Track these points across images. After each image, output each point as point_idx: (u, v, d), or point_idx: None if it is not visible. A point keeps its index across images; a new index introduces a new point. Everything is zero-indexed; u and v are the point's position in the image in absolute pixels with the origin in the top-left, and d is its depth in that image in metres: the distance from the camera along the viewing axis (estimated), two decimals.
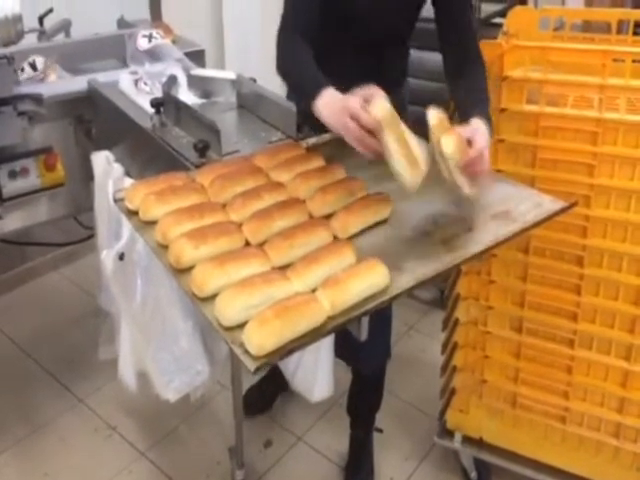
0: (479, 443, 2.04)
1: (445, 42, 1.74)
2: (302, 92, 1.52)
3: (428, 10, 2.85)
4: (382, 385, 2.11)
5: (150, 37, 2.14)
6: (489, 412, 1.98)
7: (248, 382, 2.30)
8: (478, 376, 1.95)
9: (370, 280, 1.16)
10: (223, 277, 1.15)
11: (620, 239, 1.65)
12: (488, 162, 1.38)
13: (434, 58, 2.90)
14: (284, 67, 1.55)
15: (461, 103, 1.58)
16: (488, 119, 1.44)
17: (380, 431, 2.21)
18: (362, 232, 1.34)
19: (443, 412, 2.06)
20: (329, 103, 1.37)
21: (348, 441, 2.19)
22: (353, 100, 1.30)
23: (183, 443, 2.29)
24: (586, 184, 1.64)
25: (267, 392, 2.38)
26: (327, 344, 1.85)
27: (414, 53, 2.93)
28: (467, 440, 2.06)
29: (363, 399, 2.15)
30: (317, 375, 1.91)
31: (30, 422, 2.35)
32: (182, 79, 2.01)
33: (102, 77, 2.11)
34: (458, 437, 2.07)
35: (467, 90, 1.58)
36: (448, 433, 2.09)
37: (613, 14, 1.85)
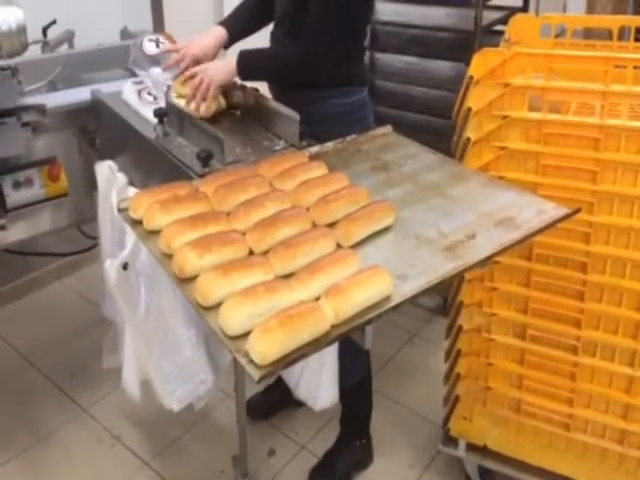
0: (483, 451, 2.04)
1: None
2: None
3: (430, 18, 2.87)
4: (366, 400, 2.15)
5: (157, 42, 2.15)
6: (493, 419, 1.98)
7: (251, 390, 2.30)
8: (482, 383, 1.94)
9: (374, 288, 1.16)
10: (227, 286, 1.15)
11: (623, 245, 1.65)
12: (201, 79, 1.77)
13: (435, 66, 2.95)
14: None
15: None
16: (250, 59, 1.78)
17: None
18: (366, 240, 1.35)
19: (447, 420, 2.06)
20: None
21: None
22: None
23: (187, 452, 2.29)
24: (589, 190, 1.64)
25: (272, 399, 2.38)
26: (331, 352, 1.85)
27: (417, 61, 2.97)
28: (471, 448, 2.06)
29: (350, 415, 2.18)
30: (321, 383, 1.91)
31: (34, 432, 2.35)
32: None
33: (105, 87, 2.12)
34: (462, 445, 2.06)
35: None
36: (452, 441, 2.08)
37: (615, 21, 1.86)
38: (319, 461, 2.22)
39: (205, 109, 1.81)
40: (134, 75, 2.19)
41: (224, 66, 1.81)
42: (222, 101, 1.90)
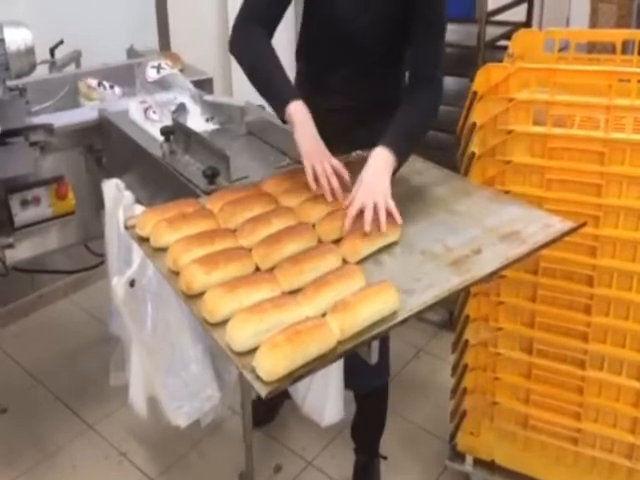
0: (491, 466, 2.02)
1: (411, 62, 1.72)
2: (265, 86, 1.57)
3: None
4: (384, 409, 2.11)
5: (159, 68, 2.17)
6: (500, 434, 1.97)
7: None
8: (489, 398, 1.94)
9: (380, 304, 1.17)
10: (234, 302, 1.16)
11: (630, 258, 1.65)
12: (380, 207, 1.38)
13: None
14: (239, 50, 1.63)
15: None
16: (399, 142, 1.50)
17: (384, 458, 2.20)
18: (371, 255, 1.35)
19: (454, 435, 2.05)
20: (304, 127, 1.50)
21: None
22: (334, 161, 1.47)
23: (193, 469, 2.28)
24: (594, 204, 1.64)
25: (271, 401, 2.36)
26: (337, 368, 1.85)
27: None
28: (479, 463, 2.05)
29: (366, 423, 2.15)
30: (327, 399, 1.91)
31: (41, 449, 2.35)
32: (191, 107, 2.04)
33: (112, 106, 2.14)
34: (469, 460, 2.06)
35: (400, 110, 1.61)
36: (459, 456, 2.07)
37: (618, 35, 1.87)
38: None
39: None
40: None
41: (382, 173, 1.46)
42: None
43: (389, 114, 1.60)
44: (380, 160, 1.48)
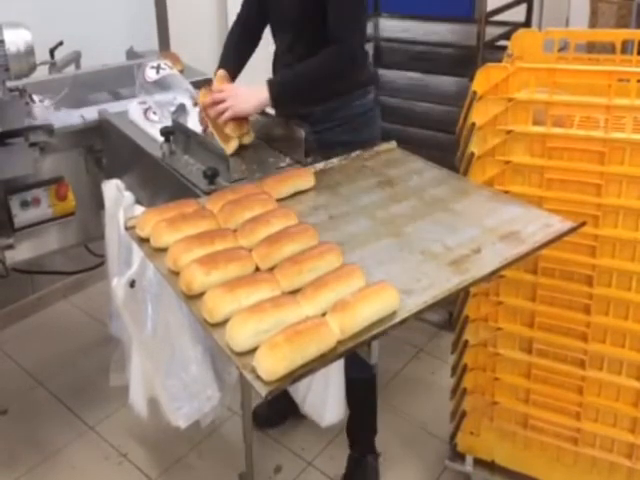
0: (491, 466, 2.03)
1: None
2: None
3: (433, 35, 2.89)
4: (371, 403, 2.12)
5: (158, 68, 2.18)
6: (500, 434, 1.97)
7: (257, 400, 2.29)
8: (488, 398, 1.94)
9: (379, 304, 1.17)
10: (234, 303, 1.16)
11: (629, 258, 1.65)
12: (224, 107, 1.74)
13: (439, 82, 2.97)
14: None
15: None
16: (279, 85, 1.74)
17: (378, 455, 2.20)
18: (371, 255, 1.35)
19: (454, 435, 2.05)
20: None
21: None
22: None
23: (193, 470, 2.28)
24: (594, 204, 1.64)
25: (277, 409, 2.37)
26: (337, 368, 1.85)
27: (421, 77, 2.99)
28: (479, 463, 2.05)
29: (354, 418, 2.14)
30: (327, 399, 1.91)
31: (41, 450, 2.35)
32: (190, 108, 2.04)
33: (112, 107, 2.15)
34: (469, 460, 2.06)
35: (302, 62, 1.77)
36: (459, 456, 2.07)
37: (618, 35, 1.87)
38: None
39: (225, 141, 1.78)
40: (124, 98, 2.22)
41: (254, 96, 1.75)
42: (252, 134, 1.84)
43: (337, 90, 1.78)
44: (256, 91, 1.75)
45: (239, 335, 1.10)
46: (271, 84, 1.75)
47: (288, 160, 1.78)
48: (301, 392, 1.94)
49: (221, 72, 1.89)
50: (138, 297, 1.81)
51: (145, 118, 2.01)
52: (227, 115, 1.76)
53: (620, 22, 4.63)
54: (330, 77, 1.75)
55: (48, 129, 1.95)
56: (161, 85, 2.15)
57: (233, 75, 1.95)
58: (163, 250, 1.33)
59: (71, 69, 2.53)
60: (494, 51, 2.56)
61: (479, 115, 1.69)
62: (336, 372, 1.86)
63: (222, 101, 1.76)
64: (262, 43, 2.04)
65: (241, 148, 1.83)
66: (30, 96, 2.05)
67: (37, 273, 2.83)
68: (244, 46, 2.00)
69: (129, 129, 1.99)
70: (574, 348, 1.77)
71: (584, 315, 1.74)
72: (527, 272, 1.77)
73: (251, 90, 1.77)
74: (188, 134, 1.81)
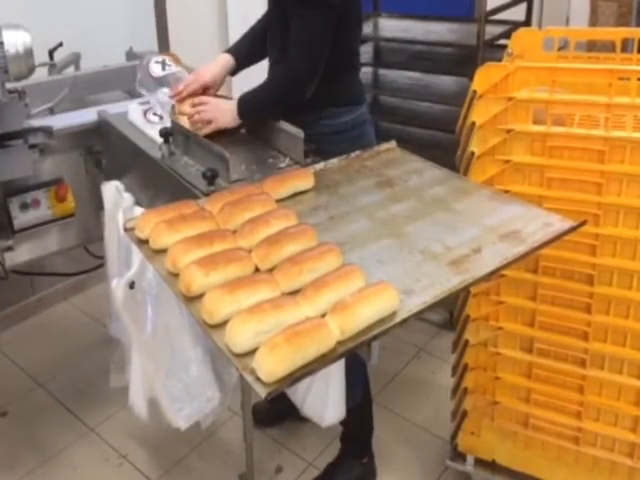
0: (492, 466, 2.02)
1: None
2: None
3: (433, 34, 2.89)
4: (368, 405, 2.13)
5: (163, 64, 2.17)
6: (501, 434, 1.97)
7: (257, 397, 2.29)
8: (489, 398, 1.94)
9: (379, 304, 1.16)
10: (233, 304, 1.16)
11: (630, 257, 1.65)
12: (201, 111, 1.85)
13: (439, 81, 2.97)
14: None
15: None
16: (244, 102, 1.84)
17: (362, 464, 2.20)
18: (371, 255, 1.35)
19: (455, 435, 2.05)
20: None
21: None
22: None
23: (194, 471, 2.28)
24: (594, 202, 1.64)
25: (277, 408, 2.36)
26: (337, 369, 1.85)
27: (421, 77, 2.99)
28: (480, 463, 2.04)
29: (352, 422, 2.13)
30: (328, 399, 1.90)
31: (41, 452, 2.35)
32: None
33: (111, 108, 2.14)
34: (470, 460, 2.05)
35: None
36: (460, 456, 2.07)
37: (618, 33, 1.87)
38: (319, 475, 2.22)
39: None
40: (139, 96, 2.21)
41: (230, 111, 1.84)
42: None
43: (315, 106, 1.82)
44: (230, 104, 1.86)
45: (239, 336, 1.10)
46: (239, 100, 1.84)
47: (288, 161, 1.78)
48: (301, 393, 1.94)
49: (208, 69, 1.95)
50: (138, 298, 1.81)
51: (145, 119, 2.01)
52: (212, 127, 1.85)
53: (620, 20, 4.63)
54: (278, 95, 1.82)
55: (47, 131, 1.95)
56: (163, 82, 2.15)
57: (238, 65, 1.99)
58: (162, 251, 1.33)
59: (70, 70, 2.53)
60: (494, 50, 2.56)
61: (479, 114, 1.69)
62: (337, 373, 1.86)
63: (204, 111, 1.86)
64: None
65: (241, 148, 1.83)
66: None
67: (37, 275, 2.83)
68: (260, 41, 1.97)
69: (128, 130, 1.99)
70: (575, 347, 1.77)
71: (585, 314, 1.73)
72: (528, 271, 1.76)
73: (228, 104, 1.87)
74: (187, 135, 1.81)
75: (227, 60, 1.98)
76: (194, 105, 1.88)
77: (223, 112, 1.85)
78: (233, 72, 2.01)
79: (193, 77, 1.96)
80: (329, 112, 1.85)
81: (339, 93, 1.87)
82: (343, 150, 1.77)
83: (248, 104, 1.84)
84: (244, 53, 2.01)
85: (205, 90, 1.95)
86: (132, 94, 2.41)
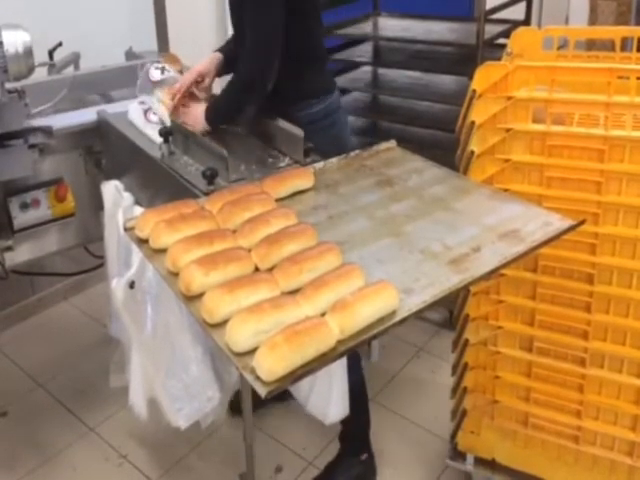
0: (492, 464, 2.02)
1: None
2: None
3: (432, 33, 2.89)
4: (365, 402, 2.14)
5: (163, 69, 2.19)
6: (501, 433, 1.97)
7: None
8: (489, 397, 1.94)
9: (379, 303, 1.16)
10: (233, 303, 1.16)
11: (629, 256, 1.65)
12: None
13: (439, 80, 2.97)
14: None
15: None
16: (209, 109, 1.92)
17: (361, 462, 2.21)
18: (371, 255, 1.35)
19: (454, 434, 2.05)
20: None
21: None
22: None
23: (194, 470, 2.28)
24: (594, 201, 1.64)
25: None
26: (340, 366, 1.85)
27: (421, 76, 3.00)
28: (480, 462, 2.04)
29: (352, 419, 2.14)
30: (331, 397, 1.90)
31: (41, 452, 2.35)
32: None
33: (111, 108, 2.15)
34: (470, 459, 2.05)
35: None
36: (460, 455, 2.07)
37: (617, 32, 1.87)
38: (319, 474, 2.22)
39: None
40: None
41: (201, 116, 1.93)
42: None
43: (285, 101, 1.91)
44: (201, 109, 1.93)
45: (239, 335, 1.10)
46: (206, 108, 1.93)
47: (287, 160, 1.78)
48: (304, 391, 1.94)
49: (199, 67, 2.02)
50: (138, 298, 1.81)
51: (145, 119, 2.01)
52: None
53: (619, 19, 4.63)
54: (236, 97, 1.90)
55: (47, 130, 1.95)
56: (161, 86, 2.15)
57: (227, 61, 2.04)
58: (162, 251, 1.33)
59: (70, 70, 2.53)
60: (493, 49, 2.56)
61: (479, 113, 1.69)
62: (339, 370, 1.86)
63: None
64: None
65: (241, 147, 1.83)
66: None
67: (37, 275, 2.84)
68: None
69: (128, 130, 1.99)
70: (575, 346, 1.77)
71: (584, 313, 1.73)
72: (527, 270, 1.76)
73: (199, 110, 1.95)
74: (187, 135, 1.81)
75: (216, 55, 2.07)
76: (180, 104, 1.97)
77: (195, 118, 1.92)
78: (222, 71, 2.06)
79: (187, 73, 2.03)
80: (300, 105, 1.92)
81: (307, 87, 1.96)
82: (316, 140, 1.82)
83: (213, 110, 1.92)
84: (231, 53, 2.05)
85: (202, 79, 2.01)
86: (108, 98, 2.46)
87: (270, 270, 1.26)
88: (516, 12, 2.92)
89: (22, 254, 2.10)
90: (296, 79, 1.91)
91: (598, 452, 1.84)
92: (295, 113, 1.90)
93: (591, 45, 3.13)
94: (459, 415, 2.01)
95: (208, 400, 1.86)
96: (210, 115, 1.91)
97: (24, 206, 2.02)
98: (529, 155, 1.68)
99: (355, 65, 3.19)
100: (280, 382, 1.04)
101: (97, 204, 2.12)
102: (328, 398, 1.90)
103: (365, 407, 2.16)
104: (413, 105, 3.00)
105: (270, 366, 1.04)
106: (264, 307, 1.13)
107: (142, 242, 1.40)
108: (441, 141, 2.82)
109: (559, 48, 1.90)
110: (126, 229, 1.46)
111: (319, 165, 1.71)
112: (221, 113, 1.93)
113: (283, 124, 1.81)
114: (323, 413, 1.94)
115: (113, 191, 2.02)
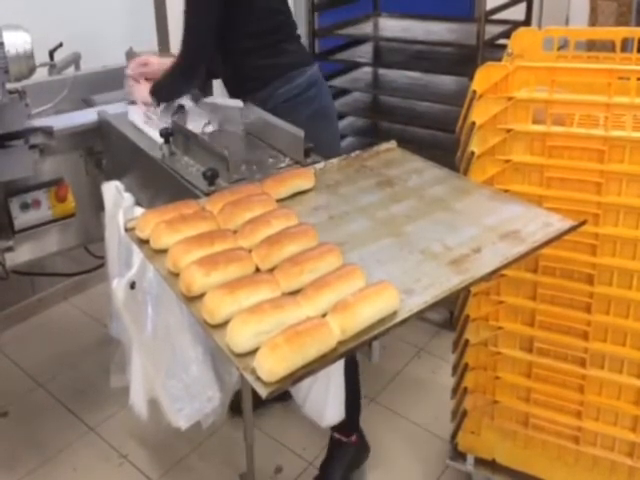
0: (492, 465, 2.02)
1: None
2: None
3: (433, 34, 2.89)
4: (356, 382, 2.13)
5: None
6: (501, 433, 1.97)
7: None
8: (489, 397, 1.94)
9: (380, 304, 1.16)
10: (234, 304, 1.16)
11: (630, 256, 1.65)
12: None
13: (439, 81, 2.97)
14: None
15: None
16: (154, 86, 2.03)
17: (352, 444, 2.20)
18: (371, 255, 1.35)
19: (455, 434, 2.05)
20: None
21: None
22: None
23: (194, 471, 2.28)
24: (594, 202, 1.64)
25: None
26: (338, 369, 1.85)
27: (421, 76, 3.00)
28: (480, 462, 2.05)
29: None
30: (328, 400, 1.90)
31: (42, 452, 2.35)
32: (190, 109, 2.04)
33: (112, 108, 2.15)
34: (470, 459, 2.06)
35: None
36: (460, 455, 2.07)
37: (617, 33, 1.87)
38: (316, 476, 2.22)
39: None
40: None
41: (142, 92, 2.07)
42: None
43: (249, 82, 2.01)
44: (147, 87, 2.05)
45: (239, 336, 1.10)
46: (152, 85, 2.05)
47: (288, 160, 1.78)
48: (302, 392, 1.94)
49: None
50: (138, 298, 1.81)
51: (145, 119, 2.01)
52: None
53: (620, 20, 4.64)
54: (175, 77, 2.01)
55: (48, 131, 1.95)
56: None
57: None
58: (163, 251, 1.33)
59: (71, 70, 2.53)
60: (494, 50, 2.56)
61: (479, 114, 1.69)
62: (337, 373, 1.86)
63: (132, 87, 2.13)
64: None
65: (241, 148, 1.83)
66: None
67: (37, 275, 2.84)
68: None
69: (129, 130, 1.99)
70: (575, 347, 1.77)
71: (585, 314, 1.74)
72: (528, 271, 1.77)
73: (141, 90, 2.09)
74: (188, 135, 1.81)
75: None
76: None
77: (140, 91, 2.08)
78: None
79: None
80: (280, 81, 1.98)
81: (283, 62, 2.01)
82: (302, 113, 1.89)
83: (155, 87, 2.04)
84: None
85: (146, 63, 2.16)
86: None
87: (271, 271, 1.26)
88: (516, 13, 2.92)
89: (23, 254, 2.10)
90: (272, 56, 1.99)
91: (598, 453, 1.84)
92: (275, 92, 1.97)
93: (591, 46, 3.13)
94: (459, 415, 2.01)
95: (208, 400, 1.86)
96: (153, 90, 2.03)
97: (25, 206, 2.02)
98: (529, 156, 1.68)
99: (355, 65, 3.19)
100: (281, 383, 1.04)
101: (98, 204, 2.12)
102: (325, 401, 1.90)
103: (355, 385, 2.14)
104: (413, 105, 3.00)
105: (271, 367, 1.04)
106: (265, 308, 1.13)
107: (143, 242, 1.40)
108: (441, 142, 2.83)
109: (559, 49, 1.91)
110: (127, 229, 1.46)
111: (319, 165, 1.71)
112: (163, 90, 2.03)
113: (284, 124, 1.81)
114: (319, 416, 1.94)
115: (114, 191, 2.02)
